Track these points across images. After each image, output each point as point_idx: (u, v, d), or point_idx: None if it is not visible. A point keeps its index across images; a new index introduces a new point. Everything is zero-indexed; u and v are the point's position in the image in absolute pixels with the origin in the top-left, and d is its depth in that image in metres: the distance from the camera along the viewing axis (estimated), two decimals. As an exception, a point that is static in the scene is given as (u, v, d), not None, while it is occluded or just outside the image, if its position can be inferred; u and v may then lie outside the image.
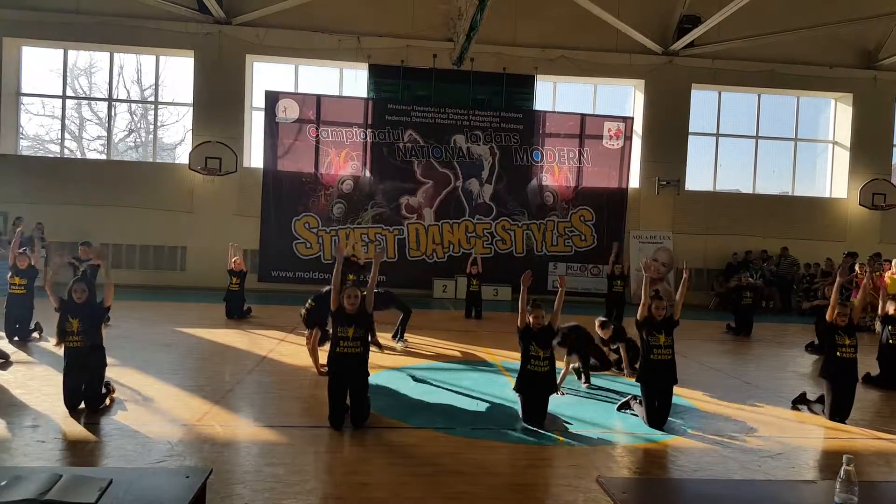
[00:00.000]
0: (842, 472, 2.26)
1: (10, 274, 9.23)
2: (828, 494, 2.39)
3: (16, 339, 8.90)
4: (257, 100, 17.00)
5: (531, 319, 6.09)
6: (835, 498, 2.27)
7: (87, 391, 5.86)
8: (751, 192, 18.64)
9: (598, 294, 15.31)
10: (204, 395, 6.57)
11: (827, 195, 18.80)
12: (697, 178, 18.44)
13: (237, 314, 11.72)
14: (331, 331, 6.01)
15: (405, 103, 16.80)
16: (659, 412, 6.05)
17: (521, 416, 6.06)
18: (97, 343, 6.00)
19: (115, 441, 5.16)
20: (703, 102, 18.34)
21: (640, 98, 17.90)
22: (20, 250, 9.35)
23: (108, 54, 17.28)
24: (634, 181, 17.74)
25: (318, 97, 16.72)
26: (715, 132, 18.46)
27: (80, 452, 4.90)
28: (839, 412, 6.46)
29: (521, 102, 17.29)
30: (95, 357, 5.97)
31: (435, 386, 7.38)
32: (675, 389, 6.30)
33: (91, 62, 19.09)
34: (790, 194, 18.75)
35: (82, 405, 5.83)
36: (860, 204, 17.99)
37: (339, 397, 5.72)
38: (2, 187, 16.01)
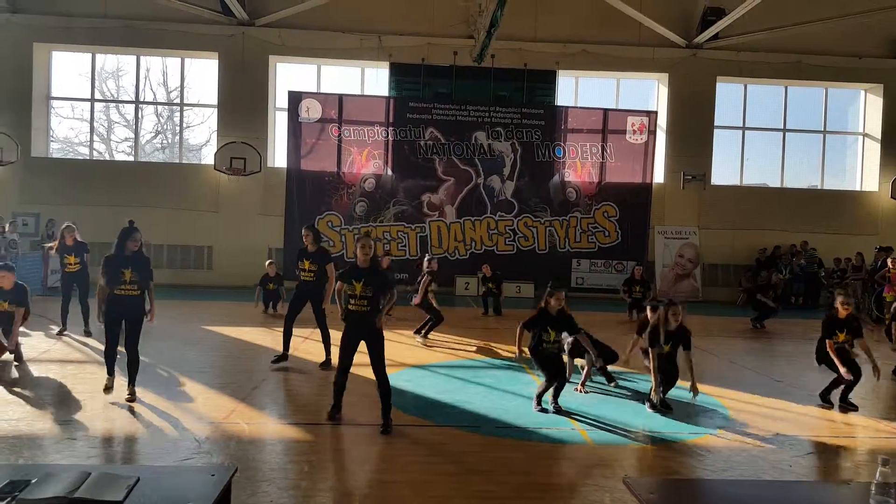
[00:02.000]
0: (877, 474, 2.20)
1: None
2: (863, 497, 2.32)
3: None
4: (280, 100, 17.13)
5: (552, 301, 6.21)
6: (870, 501, 2.21)
7: (128, 336, 6.30)
8: (779, 185, 18.33)
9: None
10: (230, 392, 6.64)
11: (857, 188, 18.41)
12: (724, 172, 18.19)
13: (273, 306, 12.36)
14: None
15: (426, 101, 16.80)
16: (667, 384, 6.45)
17: (543, 387, 6.29)
18: (143, 293, 6.36)
19: (144, 439, 5.24)
20: (728, 95, 18.06)
21: (663, 92, 17.69)
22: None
23: (135, 57, 17.54)
24: (659, 176, 17.55)
25: (340, 97, 16.79)
26: (741, 125, 18.17)
27: (109, 450, 4.98)
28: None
29: (543, 98, 17.18)
30: (138, 305, 6.31)
31: (458, 384, 7.37)
32: (703, 388, 6.30)
33: (118, 65, 19.41)
34: (819, 188, 18.40)
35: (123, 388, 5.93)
36: (892, 197, 17.60)
37: (349, 353, 5.69)
38: (34, 189, 16.35)
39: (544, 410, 6.31)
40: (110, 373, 6.29)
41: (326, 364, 7.81)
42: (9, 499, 2.30)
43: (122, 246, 6.23)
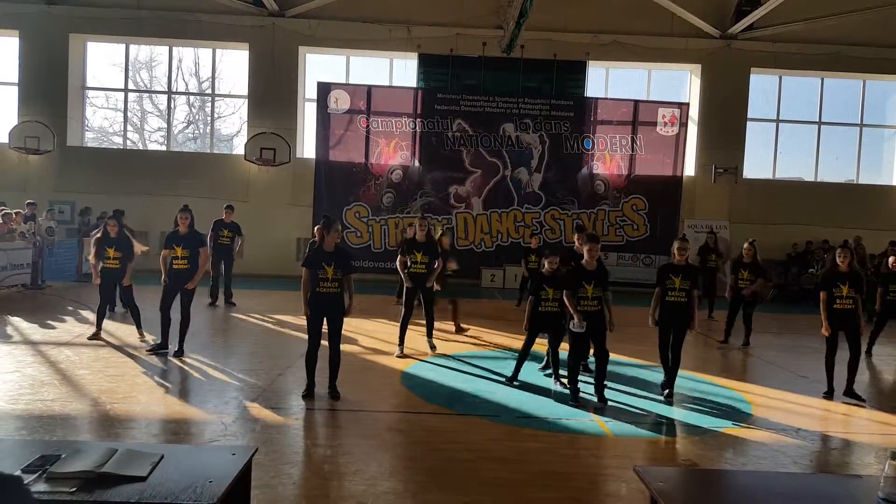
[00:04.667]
0: (886, 468, 2.19)
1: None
2: (873, 490, 2.32)
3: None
4: (310, 91, 17.27)
5: (546, 264, 6.82)
6: (878, 493, 2.20)
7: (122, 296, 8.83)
8: (813, 179, 17.94)
9: (650, 284, 15.03)
10: (257, 378, 6.78)
11: (894, 183, 17.95)
12: (756, 165, 17.86)
13: None
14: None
15: (454, 92, 16.79)
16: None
17: (520, 357, 6.97)
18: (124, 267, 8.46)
19: (171, 421, 5.39)
20: (762, 87, 17.70)
21: (696, 83, 17.42)
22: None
23: (168, 48, 17.83)
24: (690, 169, 17.31)
25: (369, 88, 16.87)
26: (775, 118, 17.82)
27: (138, 430, 5.13)
28: None
29: (572, 89, 17.04)
30: (120, 275, 8.47)
31: (481, 374, 7.41)
32: (727, 382, 6.29)
33: (151, 56, 19.73)
34: (855, 182, 17.97)
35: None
36: (931, 192, 17.14)
37: (317, 333, 6.19)
38: (69, 178, 16.77)
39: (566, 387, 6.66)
40: (99, 326, 8.40)
41: (179, 351, 7.62)
42: (40, 472, 2.41)
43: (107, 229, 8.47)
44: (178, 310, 7.73)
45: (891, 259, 9.30)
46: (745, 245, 9.75)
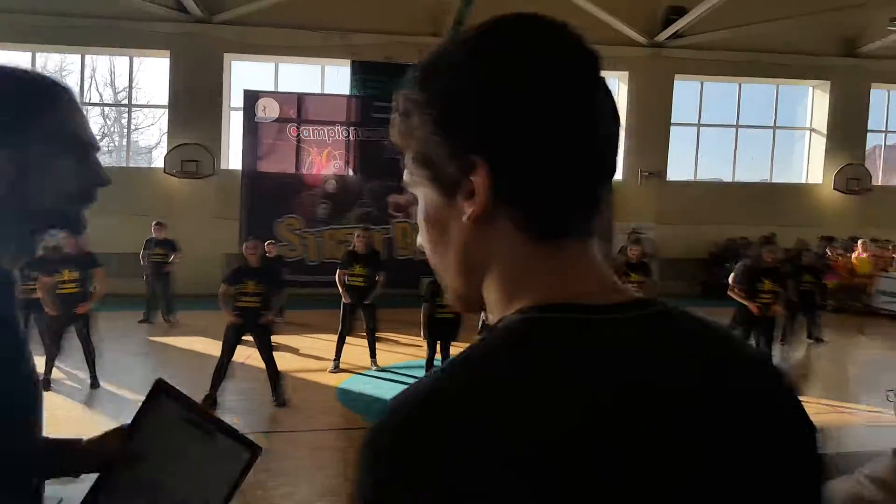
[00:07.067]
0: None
1: None
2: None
3: None
4: (236, 100, 16.72)
5: None
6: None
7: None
8: (731, 180, 18.70)
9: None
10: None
11: (804, 181, 18.93)
12: (679, 168, 18.46)
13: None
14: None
15: (391, 100, 16.46)
16: None
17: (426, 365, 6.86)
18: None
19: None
20: (685, 93, 18.33)
21: (623, 90, 17.83)
22: None
23: (80, 56, 16.94)
24: (618, 173, 17.64)
25: (299, 95, 16.47)
26: (696, 122, 18.47)
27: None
28: None
29: (504, 96, 17.14)
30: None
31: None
32: None
33: (62, 65, 18.75)
34: (769, 181, 18.83)
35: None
36: (835, 189, 18.15)
37: (229, 349, 6.36)
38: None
39: None
40: None
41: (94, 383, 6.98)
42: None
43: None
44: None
45: None
46: (632, 245, 8.82)
